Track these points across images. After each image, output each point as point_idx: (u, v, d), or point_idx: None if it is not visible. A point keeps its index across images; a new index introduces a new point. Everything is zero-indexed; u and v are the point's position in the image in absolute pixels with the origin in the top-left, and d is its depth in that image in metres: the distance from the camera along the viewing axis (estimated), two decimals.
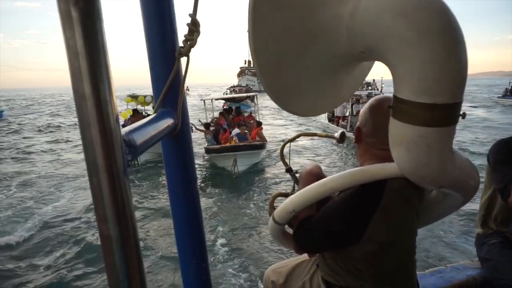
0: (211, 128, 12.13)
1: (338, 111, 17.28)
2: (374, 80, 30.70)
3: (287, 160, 1.42)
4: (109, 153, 0.46)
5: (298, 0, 0.83)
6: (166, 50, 0.80)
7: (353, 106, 15.63)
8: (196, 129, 12.19)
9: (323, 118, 19.91)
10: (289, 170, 1.41)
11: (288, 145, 1.43)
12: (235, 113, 14.16)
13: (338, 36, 0.83)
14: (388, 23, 0.75)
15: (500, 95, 34.59)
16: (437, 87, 0.75)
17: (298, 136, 1.42)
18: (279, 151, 1.45)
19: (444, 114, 0.78)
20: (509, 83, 33.58)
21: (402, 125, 0.82)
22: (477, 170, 1.19)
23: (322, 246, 1.21)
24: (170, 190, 0.87)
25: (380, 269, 1.13)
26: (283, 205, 1.16)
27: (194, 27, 0.79)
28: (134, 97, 14.42)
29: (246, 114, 15.01)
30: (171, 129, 0.77)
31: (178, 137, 0.82)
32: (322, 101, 1.06)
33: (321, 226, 1.14)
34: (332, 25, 0.82)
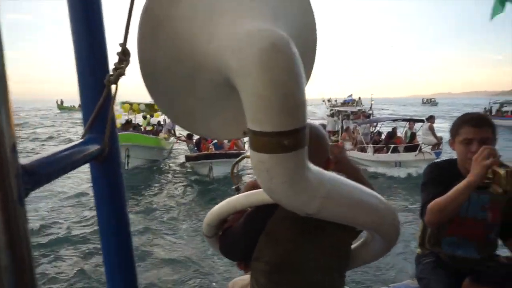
0: (195, 138, 12.86)
1: (329, 126, 17.53)
2: (359, 97, 31.28)
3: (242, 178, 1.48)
4: (2, 182, 0.47)
5: (172, 41, 0.85)
6: (96, 76, 0.84)
7: (343, 121, 15.98)
8: (177, 138, 13.25)
9: None
10: (237, 189, 1.47)
11: (239, 164, 1.50)
12: None
13: (211, 67, 0.87)
14: (228, 56, 0.80)
15: None
16: (262, 116, 0.79)
17: (243, 158, 1.49)
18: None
19: (275, 141, 0.80)
20: (489, 103, 33.35)
21: (250, 150, 0.86)
22: (393, 210, 1.17)
23: (233, 256, 1.33)
24: (99, 216, 0.89)
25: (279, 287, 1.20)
26: (204, 220, 1.30)
27: (123, 57, 0.83)
28: (129, 104, 14.51)
29: None
30: (97, 154, 0.80)
31: (106, 161, 0.84)
32: (232, 126, 1.09)
33: (229, 238, 1.25)
34: (206, 58, 0.85)
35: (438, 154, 11.82)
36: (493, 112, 30.49)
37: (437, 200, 1.56)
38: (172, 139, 15.12)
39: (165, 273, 5.78)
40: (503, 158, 1.56)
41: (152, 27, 0.83)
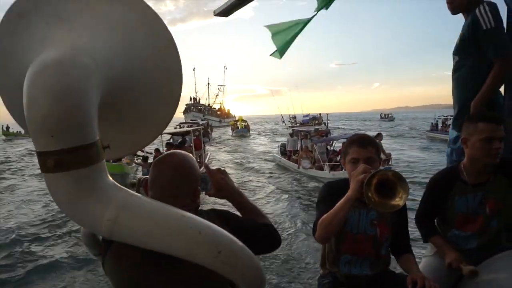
0: (150, 161, 12.88)
1: (289, 145, 18.15)
2: (320, 114, 32.43)
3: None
4: None
5: None
6: None
7: (302, 140, 16.72)
8: (135, 163, 13.33)
9: (275, 151, 20.70)
10: (138, 181, 1.49)
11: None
12: (178, 145, 14.70)
13: None
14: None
15: (428, 129, 34.65)
16: (32, 136, 0.85)
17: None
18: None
19: (42, 161, 0.85)
20: (434, 118, 33.95)
21: None
22: (250, 255, 1.09)
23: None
24: None
25: None
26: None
27: None
28: None
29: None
30: None
31: None
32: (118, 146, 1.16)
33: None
34: None
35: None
36: (439, 126, 31.85)
37: (324, 216, 1.62)
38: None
39: None
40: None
41: None
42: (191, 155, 1.30)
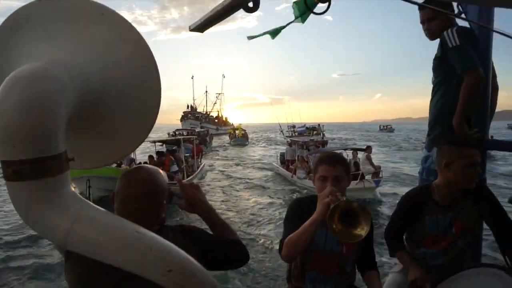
0: None
1: (288, 155, 18.37)
2: (319, 124, 32.69)
3: None
4: None
5: None
6: None
7: (299, 151, 17.10)
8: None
9: (274, 161, 20.93)
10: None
11: None
12: (166, 154, 14.87)
13: None
14: None
15: (424, 141, 35.47)
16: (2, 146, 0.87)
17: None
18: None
19: (4, 169, 0.88)
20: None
21: None
22: (203, 275, 1.09)
23: None
24: None
25: None
26: None
27: None
28: None
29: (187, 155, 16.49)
30: None
31: None
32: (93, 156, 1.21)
33: None
34: None
35: (377, 183, 12.14)
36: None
37: (290, 236, 1.63)
38: None
39: None
40: None
41: None
42: (158, 169, 1.33)
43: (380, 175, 12.97)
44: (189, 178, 12.97)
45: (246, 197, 13.24)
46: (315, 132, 29.63)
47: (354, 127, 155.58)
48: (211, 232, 1.43)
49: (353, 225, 1.41)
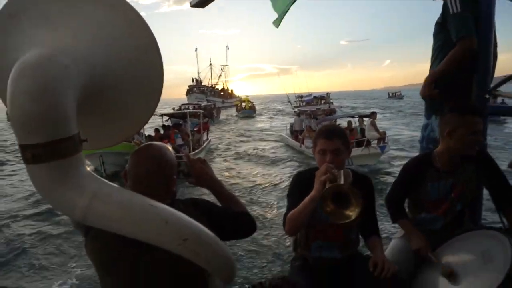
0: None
1: (296, 125, 18.28)
2: (328, 93, 32.32)
3: None
4: None
5: None
6: None
7: (307, 120, 16.99)
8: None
9: (283, 131, 20.83)
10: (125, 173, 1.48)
11: None
12: (171, 127, 15.01)
13: None
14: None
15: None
16: (15, 131, 0.94)
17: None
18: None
19: (23, 152, 0.94)
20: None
21: None
22: (216, 243, 1.17)
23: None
24: None
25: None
26: None
27: None
28: None
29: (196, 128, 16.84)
30: None
31: None
32: (103, 135, 1.26)
33: None
34: None
35: (383, 148, 12.16)
36: None
37: (291, 211, 1.72)
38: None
39: None
40: None
41: None
42: (166, 145, 1.40)
43: (386, 141, 12.98)
44: (195, 152, 13.07)
45: (253, 169, 13.37)
46: (323, 101, 29.39)
47: (363, 95, 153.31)
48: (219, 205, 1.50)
49: (344, 206, 1.47)
